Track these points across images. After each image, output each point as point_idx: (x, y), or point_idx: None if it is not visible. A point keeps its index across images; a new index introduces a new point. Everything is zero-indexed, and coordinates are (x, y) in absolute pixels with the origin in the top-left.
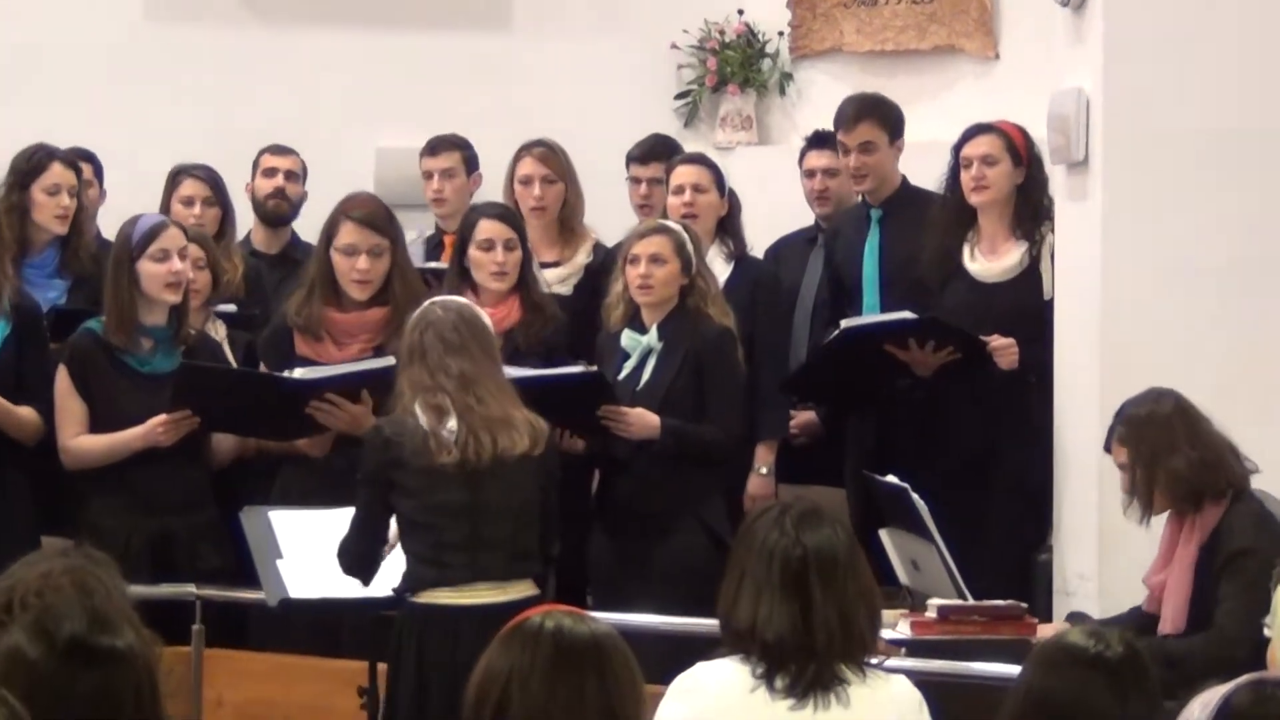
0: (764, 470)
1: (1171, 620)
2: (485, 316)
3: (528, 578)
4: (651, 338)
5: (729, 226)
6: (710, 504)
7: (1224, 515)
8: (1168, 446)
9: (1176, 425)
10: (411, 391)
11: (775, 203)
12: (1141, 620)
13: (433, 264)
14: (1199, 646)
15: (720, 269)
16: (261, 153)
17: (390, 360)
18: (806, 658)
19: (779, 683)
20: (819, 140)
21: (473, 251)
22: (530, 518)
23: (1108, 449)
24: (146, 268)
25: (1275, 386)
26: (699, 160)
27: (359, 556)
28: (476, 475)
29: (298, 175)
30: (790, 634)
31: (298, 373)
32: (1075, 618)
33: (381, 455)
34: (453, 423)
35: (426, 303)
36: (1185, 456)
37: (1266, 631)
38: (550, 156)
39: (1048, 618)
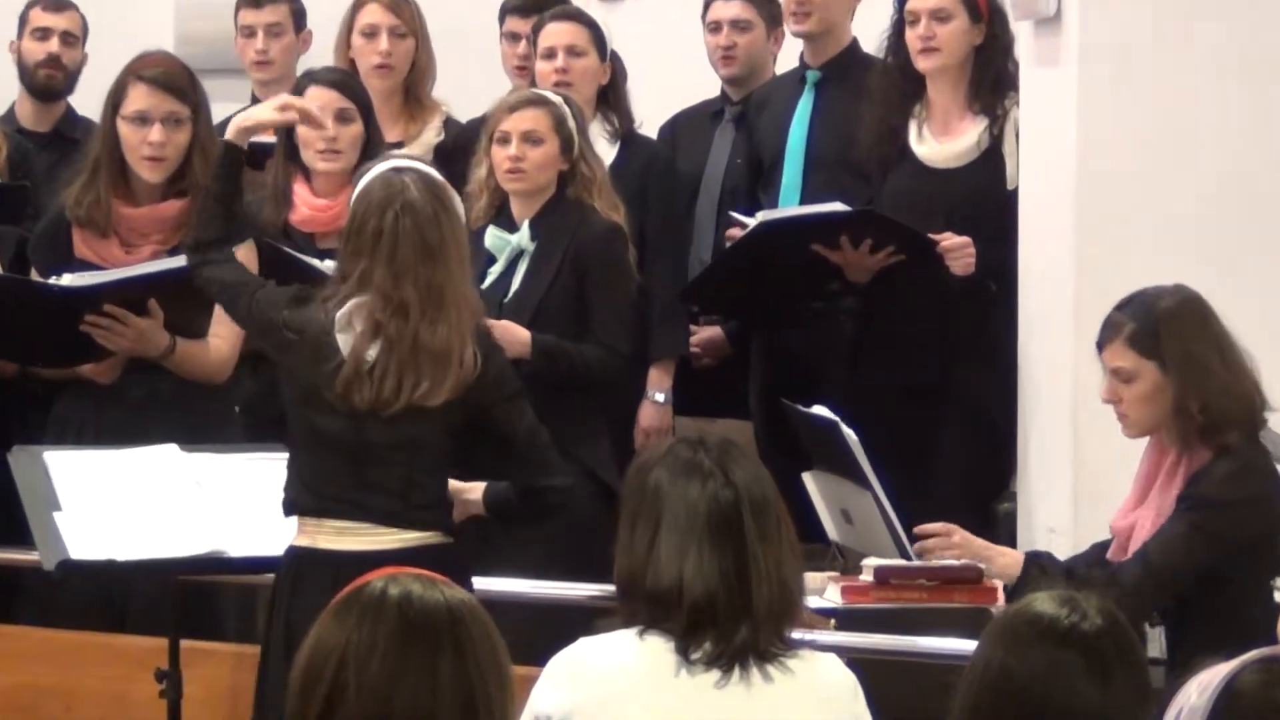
0: (659, 397)
1: None
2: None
3: (432, 528)
4: (522, 236)
5: (612, 98)
6: (593, 443)
7: (1213, 459)
8: (1201, 363)
9: (1210, 337)
10: (357, 289)
11: (671, 69)
12: (1099, 558)
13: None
14: (1113, 577)
15: (603, 151)
16: (30, 8)
17: (182, 260)
18: (738, 621)
19: (698, 652)
20: None
21: (300, 126)
22: (432, 462)
23: (1102, 347)
24: None
25: None
26: (573, 16)
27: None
28: (370, 415)
29: (76, 37)
30: (723, 590)
31: (66, 279)
32: (1034, 562)
33: (273, 324)
34: (374, 350)
35: (385, 167)
36: (1220, 380)
37: (1279, 595)
38: (401, 5)
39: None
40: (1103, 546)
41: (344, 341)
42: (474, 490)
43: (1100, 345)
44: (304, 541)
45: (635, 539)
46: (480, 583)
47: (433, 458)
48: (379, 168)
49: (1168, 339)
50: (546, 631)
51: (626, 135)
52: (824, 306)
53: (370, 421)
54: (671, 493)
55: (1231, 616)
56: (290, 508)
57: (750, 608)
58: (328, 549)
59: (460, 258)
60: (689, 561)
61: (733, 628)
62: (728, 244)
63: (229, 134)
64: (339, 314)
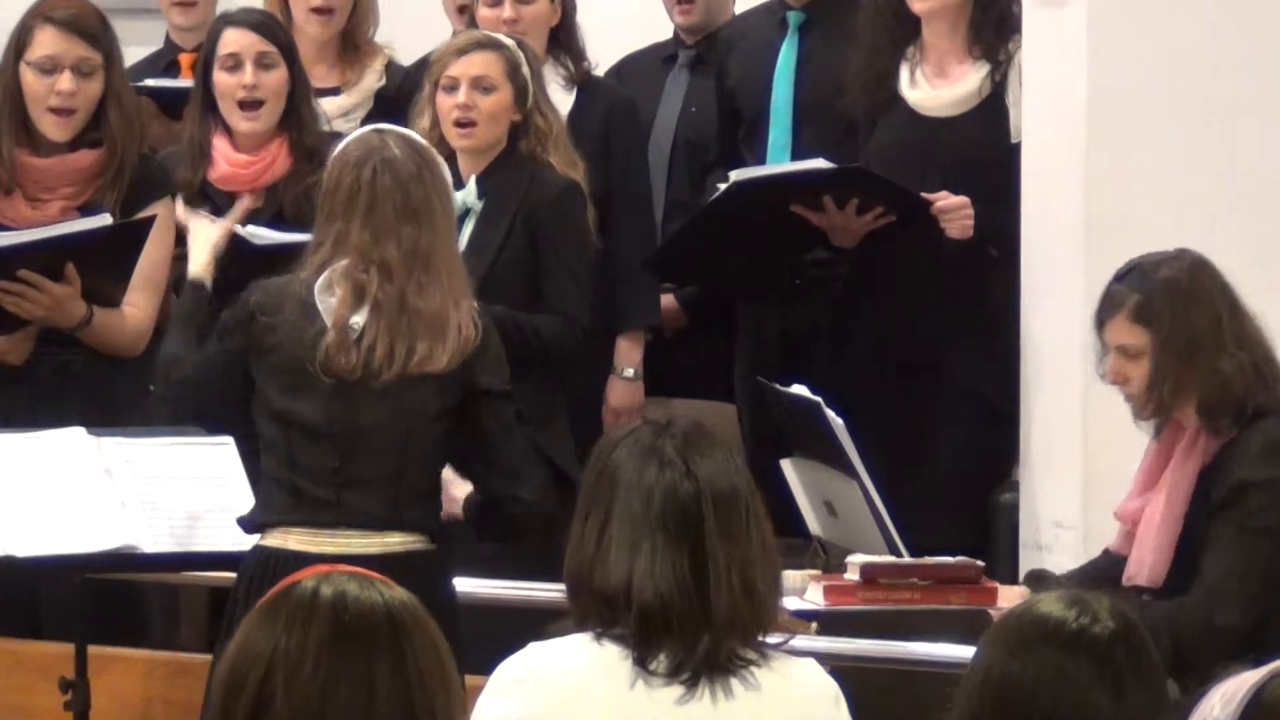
0: (629, 372)
1: (1147, 567)
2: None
3: (419, 530)
4: (469, 194)
5: (564, 38)
6: (549, 425)
7: (1239, 433)
8: (1211, 337)
9: (1221, 309)
10: (333, 253)
11: (621, 10)
12: (1108, 568)
13: (168, 81)
14: (1174, 614)
15: (557, 99)
16: None
17: (105, 219)
18: (698, 630)
19: (659, 664)
20: None
21: (217, 74)
22: (426, 448)
23: (1100, 323)
24: None
25: None
26: None
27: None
28: (361, 391)
29: None
30: (679, 595)
31: None
32: (1035, 579)
33: (245, 331)
34: (362, 316)
35: (364, 129)
36: (1233, 357)
37: None
38: None
39: (1013, 580)
40: (1105, 554)
41: (326, 309)
42: (462, 488)
43: (1100, 321)
44: (274, 542)
45: (586, 531)
46: None
47: (427, 442)
48: (357, 131)
49: (1170, 311)
50: (494, 636)
51: (583, 80)
52: (810, 275)
53: (361, 399)
54: (626, 481)
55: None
56: (252, 526)
57: (710, 616)
58: (300, 550)
59: (448, 224)
60: (640, 560)
61: (692, 637)
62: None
63: (191, 271)
64: (318, 281)
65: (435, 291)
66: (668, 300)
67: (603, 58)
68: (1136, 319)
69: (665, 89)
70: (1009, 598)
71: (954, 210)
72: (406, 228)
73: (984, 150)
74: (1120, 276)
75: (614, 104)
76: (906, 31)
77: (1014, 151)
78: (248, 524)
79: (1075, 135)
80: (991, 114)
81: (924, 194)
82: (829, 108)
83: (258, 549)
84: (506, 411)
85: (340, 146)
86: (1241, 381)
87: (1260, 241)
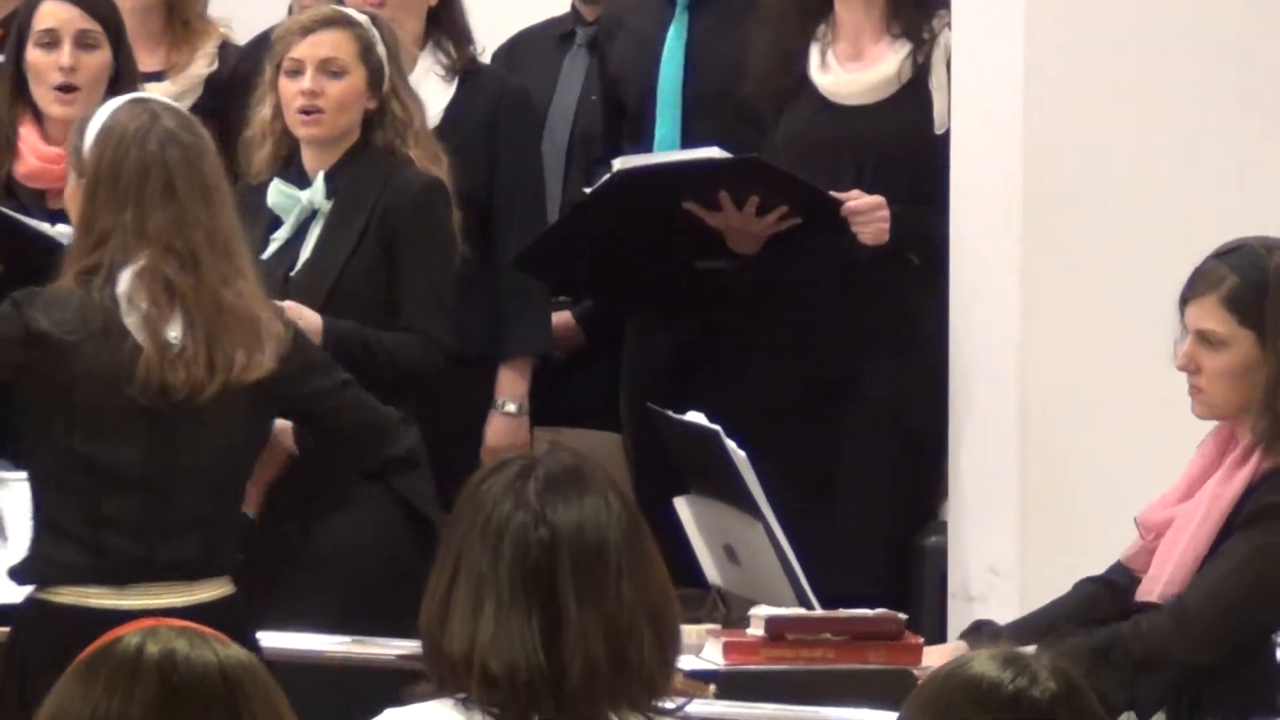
0: (511, 407)
1: (1166, 582)
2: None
3: (225, 571)
4: (316, 192)
5: (447, 22)
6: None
7: None
8: None
9: None
10: (127, 248)
11: None
12: (1094, 599)
13: None
14: (1131, 630)
15: (437, 91)
16: None
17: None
18: (554, 702)
19: None
20: None
21: (30, 50)
22: (237, 480)
23: (1184, 301)
24: None
25: None
26: None
27: None
28: (180, 420)
29: None
30: (527, 665)
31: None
32: (977, 634)
33: (20, 352)
34: (177, 329)
35: (119, 101)
36: None
37: None
38: None
39: (940, 636)
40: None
41: (134, 323)
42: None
43: (1186, 298)
44: (67, 599)
45: (436, 582)
46: (265, 637)
47: (243, 469)
48: (109, 103)
49: (1274, 307)
50: (343, 699)
51: (467, 68)
52: (704, 284)
53: (180, 430)
54: (479, 531)
55: (1240, 675)
56: (34, 577)
57: (563, 685)
58: (100, 607)
59: (233, 203)
60: (484, 620)
61: (550, 713)
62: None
63: None
64: (119, 290)
65: (242, 284)
66: (562, 316)
67: (495, 40)
68: (1228, 305)
69: (561, 73)
70: (937, 656)
71: (866, 211)
72: (204, 210)
73: (904, 142)
74: (1222, 253)
75: (503, 95)
76: (816, 7)
77: (939, 143)
78: (24, 577)
79: (1011, 124)
80: (913, 100)
81: (834, 193)
82: (724, 96)
83: (37, 603)
84: (339, 394)
85: (98, 123)
86: None
87: (1220, 237)
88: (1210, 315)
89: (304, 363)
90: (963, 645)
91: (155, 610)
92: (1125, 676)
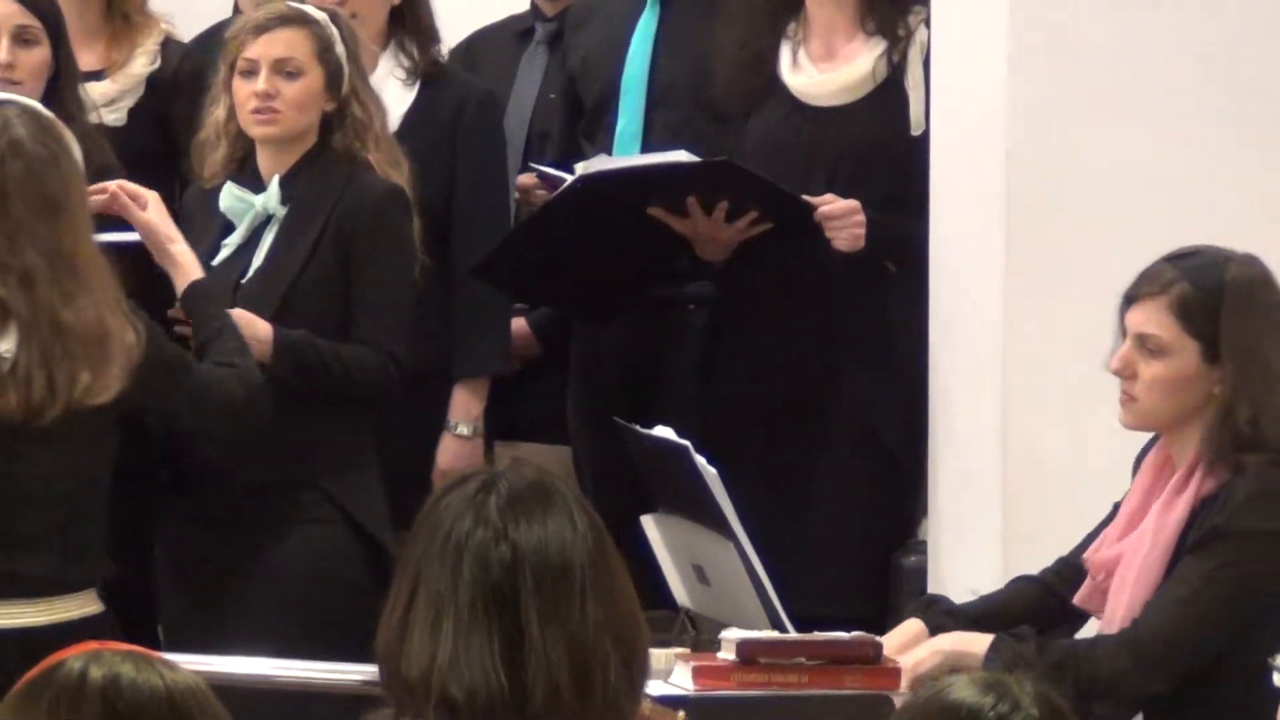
0: (464, 429)
1: (1120, 619)
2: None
3: (90, 586)
4: (271, 197)
5: (412, 21)
6: (353, 476)
7: (1235, 473)
8: (1267, 361)
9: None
10: None
11: None
12: (1035, 601)
13: None
14: (1087, 654)
15: (397, 94)
16: None
17: None
18: None
19: None
20: None
21: None
22: (94, 495)
23: (1129, 300)
24: None
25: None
26: None
27: None
28: (23, 437)
29: None
30: (487, 687)
31: None
32: (930, 610)
33: None
34: (10, 342)
35: None
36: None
37: (1277, 678)
38: None
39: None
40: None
41: None
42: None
43: (1131, 298)
44: None
45: (394, 602)
46: (211, 661)
47: (97, 485)
48: None
49: (1230, 321)
50: None
51: (430, 71)
52: (672, 293)
53: (23, 444)
54: (433, 545)
55: (1222, 703)
56: None
57: (526, 710)
58: None
59: (86, 216)
60: (443, 641)
61: None
62: (527, 209)
63: None
64: None
65: (87, 302)
66: (518, 324)
67: (452, 39)
68: (1175, 312)
69: (519, 71)
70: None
71: (841, 217)
72: (45, 226)
73: (879, 145)
74: (1176, 257)
75: (466, 100)
76: (786, 4)
77: (916, 145)
78: None
79: (993, 125)
80: (889, 101)
81: (807, 197)
82: (690, 90)
83: None
84: (187, 387)
85: None
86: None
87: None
88: (1155, 319)
89: (161, 369)
90: (918, 624)
91: (14, 629)
92: (1070, 694)
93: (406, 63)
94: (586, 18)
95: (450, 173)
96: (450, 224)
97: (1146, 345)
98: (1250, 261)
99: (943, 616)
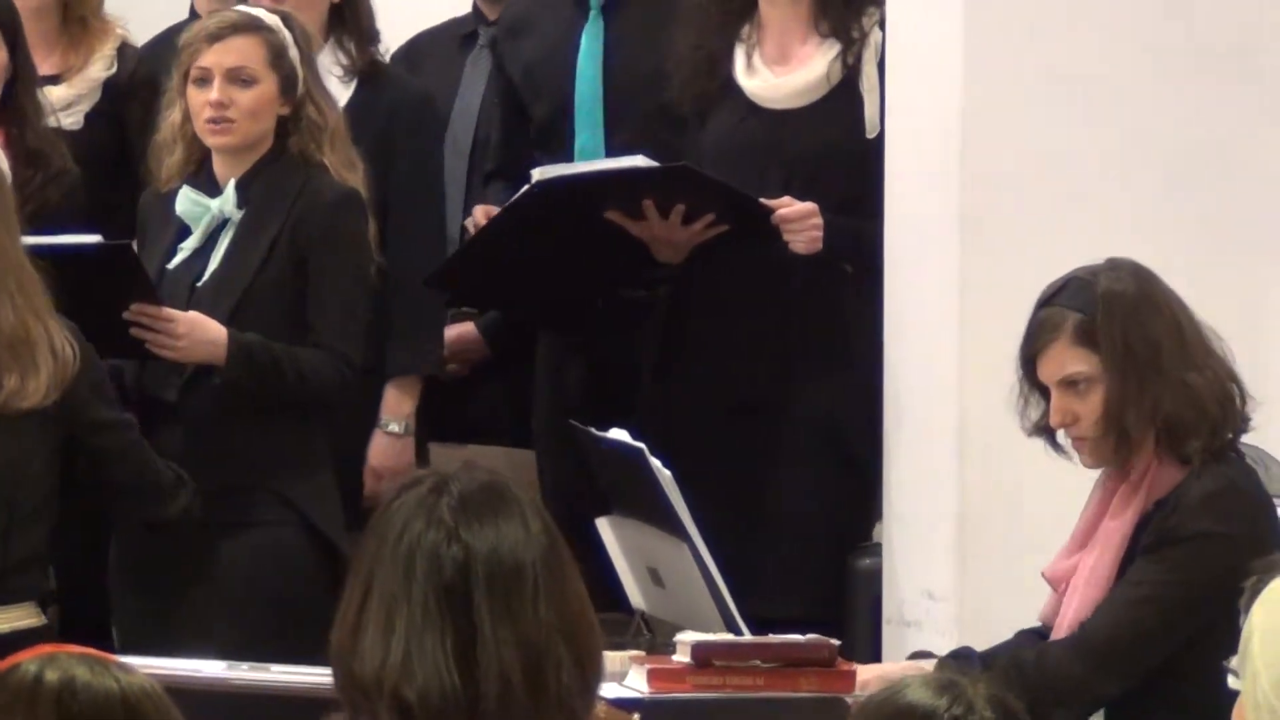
0: (395, 427)
1: (1069, 626)
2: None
3: (29, 598)
4: (227, 201)
5: (351, 18)
6: (307, 480)
7: (1186, 476)
8: (1176, 349)
9: (1180, 318)
10: None
11: None
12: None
13: None
14: (1034, 661)
15: (334, 92)
16: None
17: None
18: None
19: None
20: None
21: None
22: (35, 504)
23: (1032, 358)
24: None
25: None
26: None
27: None
28: None
29: None
30: (440, 686)
31: None
32: (919, 661)
33: None
34: None
35: None
36: (1202, 371)
37: (1233, 682)
38: None
39: (874, 661)
40: (1028, 632)
41: None
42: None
43: (1033, 355)
44: None
45: (348, 603)
46: (165, 664)
47: (35, 493)
48: None
49: (1108, 328)
50: None
51: (368, 69)
52: (629, 296)
53: None
54: (386, 546)
55: (1177, 706)
56: None
57: (478, 708)
58: None
59: (7, 219)
60: (395, 640)
61: None
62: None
63: None
64: None
65: (6, 307)
66: (466, 328)
67: (394, 41)
68: (1081, 341)
69: (464, 75)
70: (871, 682)
71: (798, 219)
72: None
73: (835, 147)
74: (1048, 299)
75: (404, 99)
76: (740, 6)
77: (872, 148)
78: None
79: (948, 128)
80: (843, 103)
81: (764, 200)
82: (646, 101)
83: None
84: (125, 436)
85: None
86: (1214, 398)
87: (1160, 245)
88: (1067, 358)
89: (99, 400)
90: (901, 670)
91: None
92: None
93: (345, 60)
94: (522, 26)
95: (385, 171)
96: (384, 222)
97: (1073, 385)
98: (1114, 266)
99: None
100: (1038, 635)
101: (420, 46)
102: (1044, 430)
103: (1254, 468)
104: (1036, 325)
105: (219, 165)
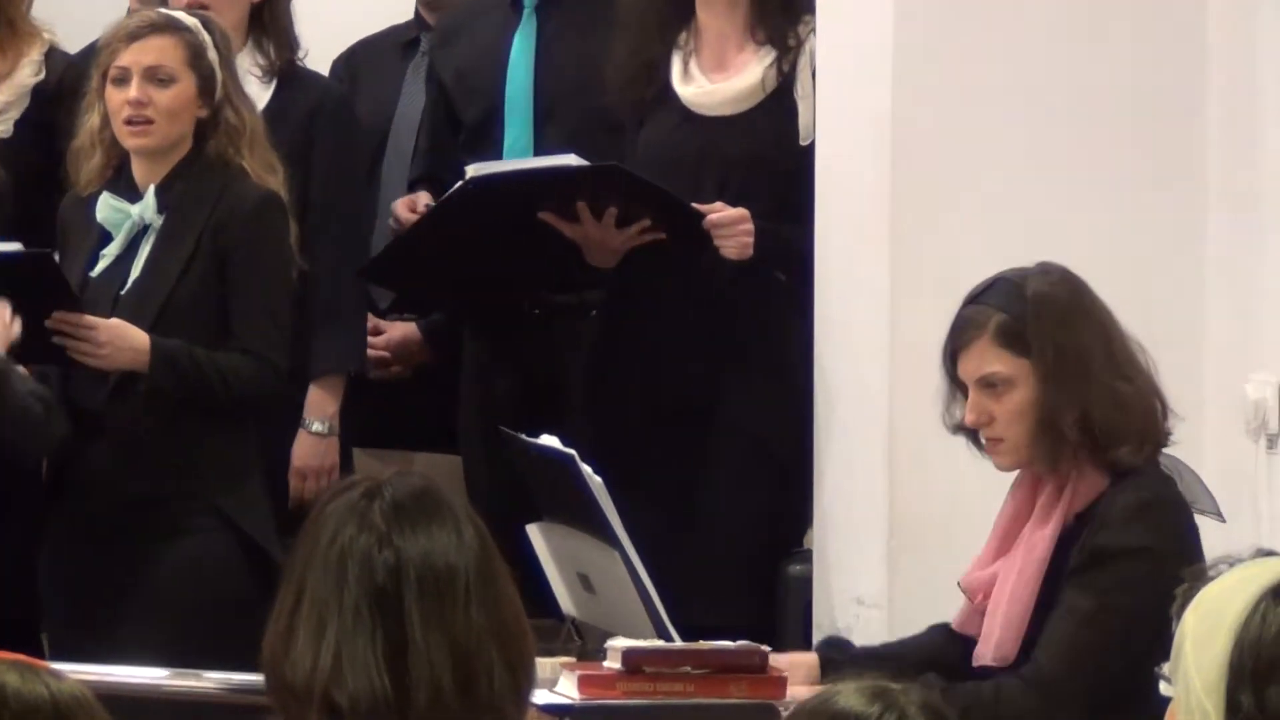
0: (318, 426)
1: (995, 644)
2: None
3: None
4: (147, 206)
5: (270, 20)
6: (238, 488)
7: (1108, 488)
8: (1104, 357)
9: (1109, 327)
10: None
11: None
12: (944, 647)
13: None
14: (992, 697)
15: (253, 93)
16: None
17: None
18: None
19: None
20: None
21: None
22: None
23: (954, 354)
24: None
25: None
26: None
27: None
28: None
29: None
30: (370, 691)
31: None
32: (830, 651)
33: None
34: None
35: None
36: (1130, 381)
37: (1165, 688)
38: None
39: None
40: (939, 627)
41: None
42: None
43: (955, 352)
44: None
45: (279, 612)
46: (97, 670)
47: None
48: None
49: (1037, 330)
50: None
51: (285, 70)
52: (559, 299)
53: None
54: (317, 550)
55: (1110, 713)
56: None
57: (408, 712)
58: None
59: None
60: (326, 646)
61: None
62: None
63: None
64: None
65: None
66: (408, 330)
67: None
68: (1002, 342)
69: (405, 82)
70: (801, 689)
71: (729, 225)
72: None
73: (769, 154)
74: (976, 296)
75: (323, 100)
76: (677, 12)
77: (806, 154)
78: None
79: (879, 134)
80: (778, 111)
81: (695, 205)
82: (576, 101)
83: None
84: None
85: None
86: (1140, 410)
87: (1093, 246)
88: (987, 357)
89: None
90: (813, 656)
91: None
92: None
93: (263, 62)
94: (455, 33)
95: (304, 172)
96: (301, 225)
97: (990, 385)
98: (1045, 270)
99: (835, 651)
100: (949, 631)
101: (361, 54)
102: (965, 429)
103: (1171, 477)
104: (960, 322)
105: (138, 169)
